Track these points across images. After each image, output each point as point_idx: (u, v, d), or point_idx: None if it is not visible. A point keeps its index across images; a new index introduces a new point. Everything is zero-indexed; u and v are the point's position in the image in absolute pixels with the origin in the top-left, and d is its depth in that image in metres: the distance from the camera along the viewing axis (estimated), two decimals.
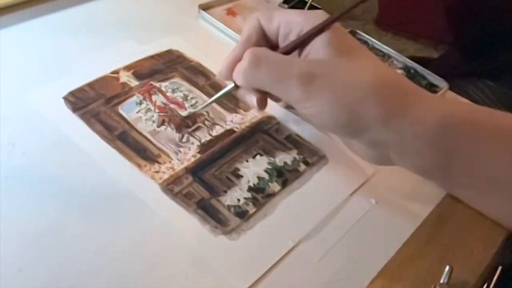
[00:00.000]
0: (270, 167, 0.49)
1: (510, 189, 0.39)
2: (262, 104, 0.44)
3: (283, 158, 0.50)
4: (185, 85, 0.56)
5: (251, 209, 0.45)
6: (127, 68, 0.56)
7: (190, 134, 0.50)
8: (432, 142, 0.38)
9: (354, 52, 0.40)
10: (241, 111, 0.54)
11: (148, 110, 0.52)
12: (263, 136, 0.52)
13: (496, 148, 0.39)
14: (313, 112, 0.40)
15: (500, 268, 0.45)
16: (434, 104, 0.39)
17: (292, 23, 0.42)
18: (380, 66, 0.41)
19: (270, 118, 0.54)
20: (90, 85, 0.53)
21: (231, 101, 0.55)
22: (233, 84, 0.44)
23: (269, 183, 0.47)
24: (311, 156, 0.51)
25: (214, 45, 0.63)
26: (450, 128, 0.38)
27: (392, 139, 0.39)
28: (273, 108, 0.55)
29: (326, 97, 0.39)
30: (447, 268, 0.41)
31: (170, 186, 0.45)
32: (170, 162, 0.47)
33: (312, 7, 0.72)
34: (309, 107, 0.40)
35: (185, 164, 0.47)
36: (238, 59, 0.43)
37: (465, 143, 0.38)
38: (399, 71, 0.64)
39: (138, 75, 0.56)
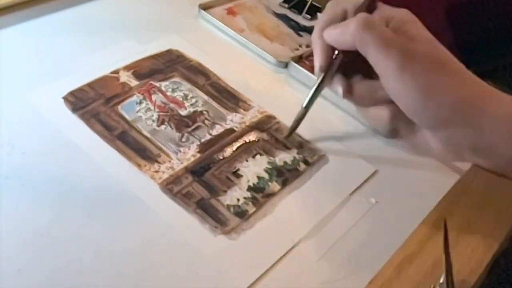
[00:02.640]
0: (270, 166, 0.49)
1: None
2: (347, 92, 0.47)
3: (283, 157, 0.50)
4: (185, 85, 0.56)
5: (251, 208, 0.45)
6: (127, 68, 0.56)
7: (190, 133, 0.50)
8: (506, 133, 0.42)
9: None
10: (241, 110, 0.54)
11: (148, 109, 0.52)
12: (263, 135, 0.52)
13: None
14: (401, 88, 0.42)
15: None
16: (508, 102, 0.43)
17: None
18: (468, 78, 0.44)
19: (270, 117, 0.54)
20: (90, 85, 0.53)
21: (231, 101, 0.55)
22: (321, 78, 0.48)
23: (269, 183, 0.47)
24: (311, 156, 0.51)
25: (214, 44, 0.63)
26: None
27: (469, 136, 0.42)
28: (274, 108, 0.55)
29: (420, 82, 0.42)
30: None
31: (170, 186, 0.45)
32: (170, 161, 0.47)
33: (312, 7, 0.72)
34: (399, 82, 0.42)
35: (185, 163, 0.47)
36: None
37: None
38: None
39: (138, 75, 0.56)
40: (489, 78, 0.85)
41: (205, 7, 0.67)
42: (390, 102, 0.44)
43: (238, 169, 0.48)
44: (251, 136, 0.51)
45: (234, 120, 0.53)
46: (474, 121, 0.42)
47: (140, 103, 0.52)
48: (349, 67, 0.47)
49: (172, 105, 0.53)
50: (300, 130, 0.53)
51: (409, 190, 0.50)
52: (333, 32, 0.46)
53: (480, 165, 0.47)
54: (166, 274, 0.40)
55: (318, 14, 0.72)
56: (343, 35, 0.45)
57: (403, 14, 0.46)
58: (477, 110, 0.42)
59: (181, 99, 0.54)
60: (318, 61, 0.48)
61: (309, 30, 0.69)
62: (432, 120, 0.43)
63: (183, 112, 0.52)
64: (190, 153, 0.48)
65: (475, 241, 0.46)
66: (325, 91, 0.58)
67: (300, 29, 0.69)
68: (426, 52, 0.43)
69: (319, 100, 0.58)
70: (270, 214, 0.45)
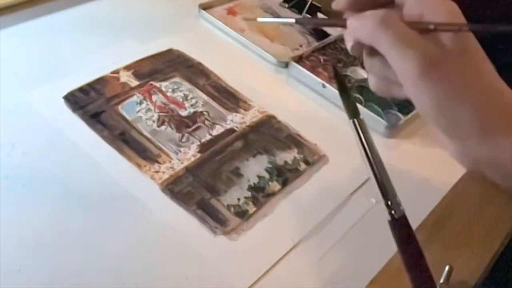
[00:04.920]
0: (270, 166, 0.49)
1: None
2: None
3: (284, 157, 0.50)
4: (185, 85, 0.56)
5: (251, 208, 0.45)
6: (127, 68, 0.56)
7: (190, 134, 0.50)
8: None
9: (483, 64, 0.39)
10: (242, 110, 0.54)
11: (148, 110, 0.52)
12: (263, 135, 0.52)
13: None
14: (418, 95, 0.38)
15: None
16: None
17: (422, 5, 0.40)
18: (497, 91, 0.39)
19: (271, 117, 0.54)
20: (90, 85, 0.53)
21: (231, 101, 0.55)
22: (293, 20, 0.42)
23: (269, 182, 0.47)
24: (312, 156, 0.51)
25: (215, 44, 0.63)
26: None
27: (487, 156, 0.38)
28: (274, 107, 0.55)
29: (439, 91, 0.38)
30: (447, 267, 0.41)
31: (170, 186, 0.45)
32: (170, 161, 0.47)
33: (312, 7, 0.72)
34: (417, 89, 0.38)
35: (185, 163, 0.47)
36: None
37: None
38: None
39: (138, 75, 0.56)
40: None
41: (205, 7, 0.67)
42: None
43: (239, 169, 0.48)
44: (252, 136, 0.51)
45: (234, 120, 0.53)
46: (495, 139, 0.38)
47: (141, 103, 0.52)
48: None
49: (172, 105, 0.53)
50: (301, 130, 0.53)
51: (410, 190, 0.50)
52: (353, 25, 0.41)
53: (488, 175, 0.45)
54: (166, 274, 0.39)
55: (319, 13, 0.72)
56: (361, 30, 0.40)
57: (443, 11, 0.40)
58: (503, 130, 0.38)
59: (181, 99, 0.54)
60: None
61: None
62: (447, 131, 0.40)
63: (183, 113, 0.52)
64: (191, 153, 0.48)
65: (476, 242, 0.46)
66: (323, 91, 0.58)
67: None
68: (453, 60, 0.38)
69: (319, 100, 0.58)
70: (271, 214, 0.45)
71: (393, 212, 0.36)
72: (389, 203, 0.36)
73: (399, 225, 0.36)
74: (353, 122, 0.37)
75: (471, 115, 0.38)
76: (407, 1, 0.40)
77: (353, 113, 0.38)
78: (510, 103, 0.39)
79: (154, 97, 0.53)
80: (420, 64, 0.37)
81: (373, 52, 0.41)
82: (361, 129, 0.38)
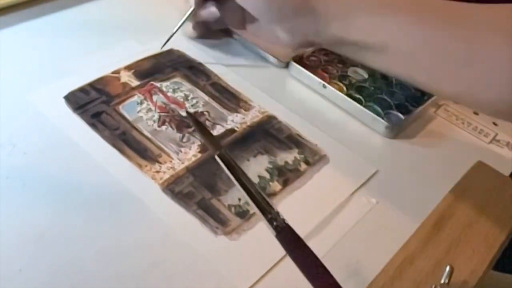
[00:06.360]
0: (271, 166, 0.49)
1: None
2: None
3: (284, 157, 0.50)
4: (186, 85, 0.56)
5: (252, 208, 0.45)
6: (128, 68, 0.56)
7: (191, 134, 0.50)
8: None
9: None
10: (242, 110, 0.54)
11: (149, 110, 0.52)
12: (264, 135, 0.52)
13: None
14: None
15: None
16: None
17: None
18: None
19: (271, 117, 0.54)
20: (91, 84, 0.53)
21: (232, 101, 0.55)
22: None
23: (270, 182, 0.47)
24: (312, 156, 0.51)
25: (215, 44, 0.63)
26: None
27: (310, 22, 0.50)
28: (274, 108, 0.55)
29: None
30: (447, 268, 0.41)
31: (171, 186, 0.45)
32: (171, 161, 0.47)
33: None
34: None
35: (186, 163, 0.47)
36: None
37: None
38: None
39: (138, 75, 0.56)
40: None
41: None
42: None
43: None
44: (252, 136, 0.51)
45: (235, 120, 0.53)
46: (313, 10, 0.49)
47: (141, 103, 0.52)
48: None
49: (173, 105, 0.53)
50: (301, 130, 0.53)
51: (410, 190, 0.50)
52: None
53: (317, 43, 0.53)
54: (166, 274, 0.40)
55: None
56: None
57: None
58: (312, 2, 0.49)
59: (181, 99, 0.54)
60: None
61: None
62: (276, 18, 0.51)
63: (184, 113, 0.52)
64: (191, 153, 0.48)
65: (476, 241, 0.46)
66: (324, 91, 0.58)
67: None
68: None
69: (320, 100, 0.58)
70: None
71: (275, 224, 0.38)
72: (270, 217, 0.38)
73: (285, 234, 0.38)
74: (218, 156, 0.42)
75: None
76: None
77: (216, 147, 0.43)
78: None
79: (154, 97, 0.53)
80: None
81: None
82: (227, 161, 0.42)
